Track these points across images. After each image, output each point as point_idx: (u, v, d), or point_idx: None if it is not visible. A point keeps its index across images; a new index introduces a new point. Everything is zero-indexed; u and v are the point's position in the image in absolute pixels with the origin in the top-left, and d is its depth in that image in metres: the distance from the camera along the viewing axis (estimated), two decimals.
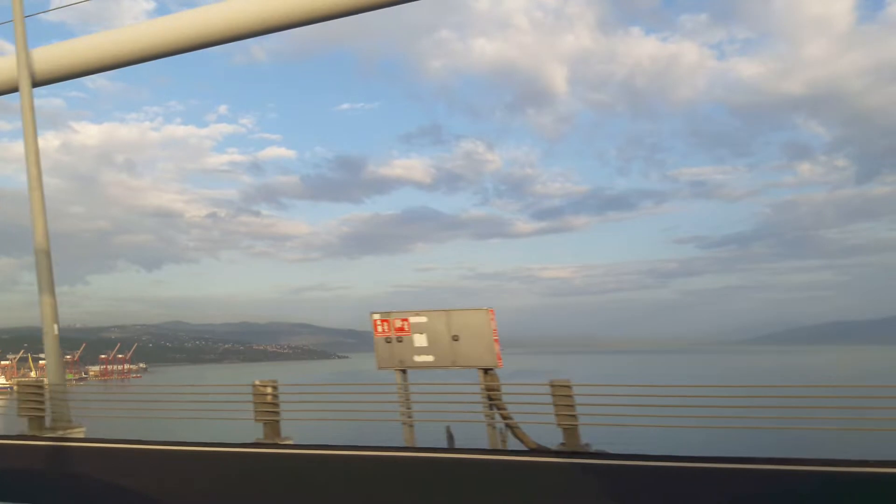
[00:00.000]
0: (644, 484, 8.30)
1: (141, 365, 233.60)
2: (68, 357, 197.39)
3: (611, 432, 13.31)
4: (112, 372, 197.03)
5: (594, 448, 10.32)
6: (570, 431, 10.45)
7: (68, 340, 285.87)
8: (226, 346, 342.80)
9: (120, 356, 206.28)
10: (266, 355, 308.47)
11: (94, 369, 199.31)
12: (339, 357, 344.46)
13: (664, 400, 9.78)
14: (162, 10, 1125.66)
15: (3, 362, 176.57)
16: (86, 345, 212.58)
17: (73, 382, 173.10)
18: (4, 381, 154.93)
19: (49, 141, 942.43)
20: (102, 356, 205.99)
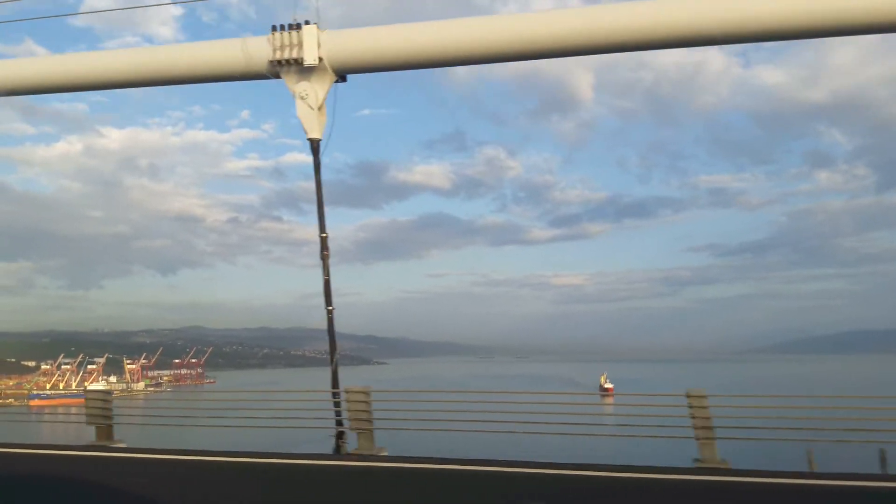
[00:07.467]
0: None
1: (199, 370, 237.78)
2: (143, 362, 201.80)
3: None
4: (185, 377, 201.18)
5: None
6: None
7: (98, 345, 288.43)
8: (264, 350, 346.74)
9: (193, 361, 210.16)
10: (307, 360, 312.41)
11: (167, 375, 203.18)
12: (376, 363, 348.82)
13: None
14: (189, 15, 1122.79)
15: (89, 366, 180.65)
16: (162, 350, 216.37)
17: (151, 390, 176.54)
18: (106, 387, 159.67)
19: (73, 145, 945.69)
20: (176, 360, 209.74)
